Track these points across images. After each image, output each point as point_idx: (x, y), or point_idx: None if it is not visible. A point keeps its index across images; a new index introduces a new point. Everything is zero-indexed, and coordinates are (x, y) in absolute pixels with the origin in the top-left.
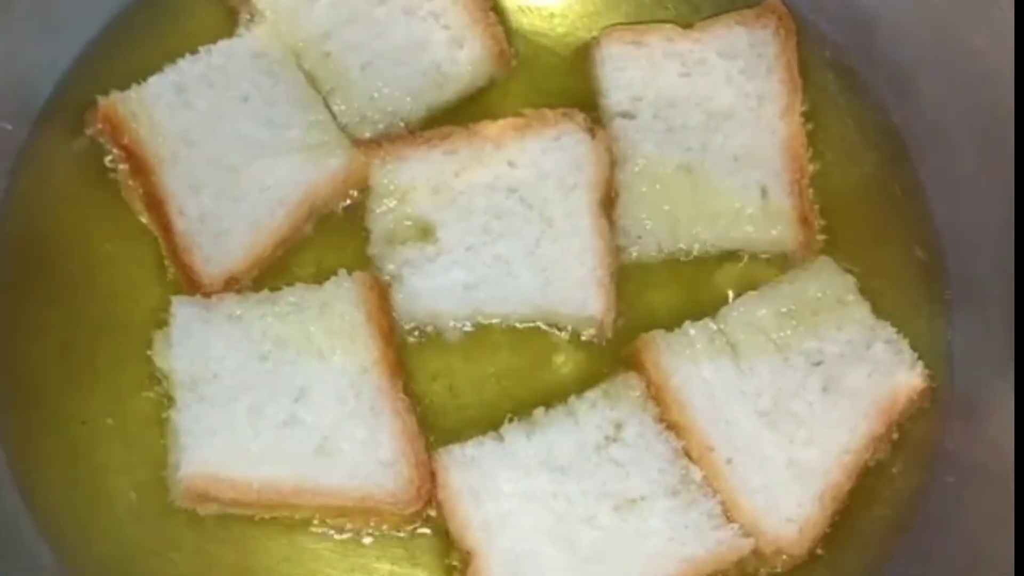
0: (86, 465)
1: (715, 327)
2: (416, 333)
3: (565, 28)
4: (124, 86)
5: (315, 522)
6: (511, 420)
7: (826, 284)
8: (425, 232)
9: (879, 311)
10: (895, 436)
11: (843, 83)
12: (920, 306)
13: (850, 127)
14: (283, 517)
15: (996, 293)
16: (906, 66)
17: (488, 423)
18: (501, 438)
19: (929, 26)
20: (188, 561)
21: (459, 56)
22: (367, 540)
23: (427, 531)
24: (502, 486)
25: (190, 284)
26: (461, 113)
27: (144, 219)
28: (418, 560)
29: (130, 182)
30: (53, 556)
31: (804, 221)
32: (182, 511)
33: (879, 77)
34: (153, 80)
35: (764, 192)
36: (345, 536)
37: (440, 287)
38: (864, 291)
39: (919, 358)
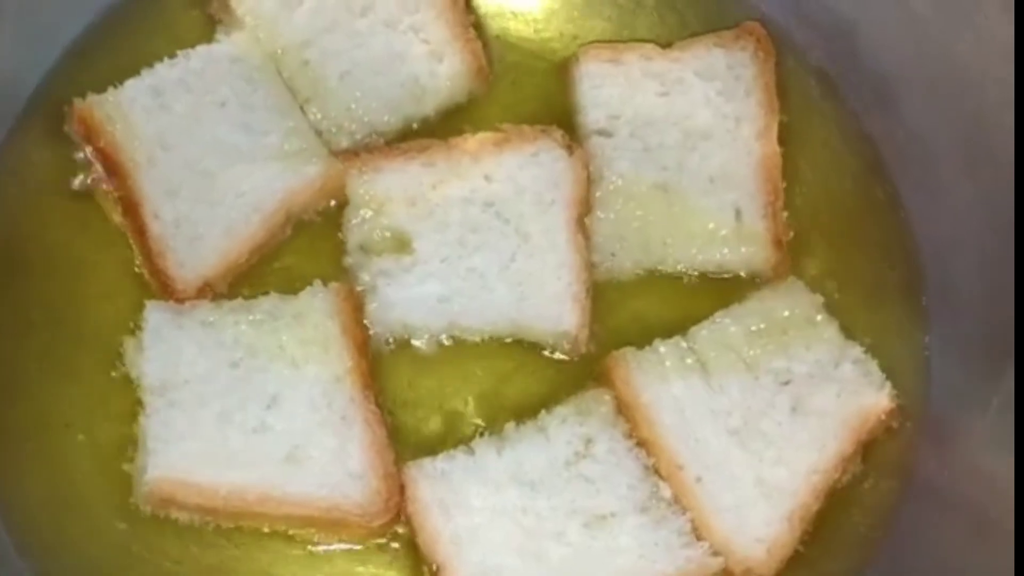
0: (65, 469)
1: (685, 345)
2: (389, 344)
3: (550, 33)
4: (104, 90)
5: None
6: (482, 434)
7: (794, 303)
8: (401, 243)
9: (855, 325)
10: (868, 450)
11: (825, 89)
12: (898, 319)
13: (832, 134)
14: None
15: (974, 307)
16: (888, 74)
17: (459, 437)
18: (472, 452)
19: (912, 33)
20: (170, 569)
21: (438, 70)
22: (354, 548)
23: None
24: (472, 500)
25: (164, 289)
26: (440, 126)
27: (118, 222)
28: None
29: (104, 185)
30: (28, 563)
31: (777, 244)
32: (165, 519)
33: (862, 85)
34: (129, 83)
35: (739, 214)
36: (330, 546)
37: (415, 299)
38: (840, 303)
39: (895, 372)
